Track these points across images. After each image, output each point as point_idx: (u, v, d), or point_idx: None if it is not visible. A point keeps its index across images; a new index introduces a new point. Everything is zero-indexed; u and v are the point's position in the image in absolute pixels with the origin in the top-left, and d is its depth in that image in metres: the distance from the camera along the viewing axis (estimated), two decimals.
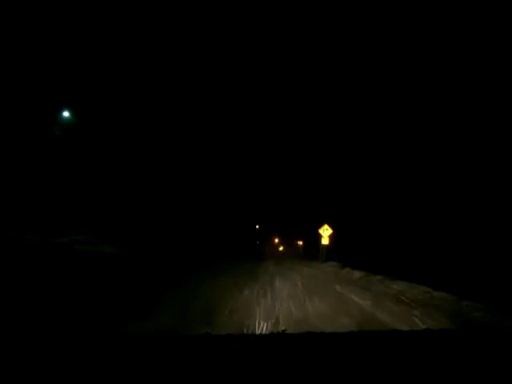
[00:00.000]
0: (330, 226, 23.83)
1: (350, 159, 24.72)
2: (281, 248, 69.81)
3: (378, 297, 8.70)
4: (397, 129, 18.77)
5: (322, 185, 30.80)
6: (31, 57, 21.50)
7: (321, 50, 37.00)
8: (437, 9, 17.58)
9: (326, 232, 23.64)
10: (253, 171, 51.31)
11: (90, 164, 24.38)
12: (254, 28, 37.69)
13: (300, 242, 55.41)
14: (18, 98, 20.50)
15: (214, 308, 6.10)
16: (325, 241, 23.84)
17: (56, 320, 4.81)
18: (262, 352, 2.22)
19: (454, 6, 16.40)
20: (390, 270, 13.18)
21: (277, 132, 62.43)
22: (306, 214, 36.46)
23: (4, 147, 19.35)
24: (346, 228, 23.63)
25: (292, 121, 57.09)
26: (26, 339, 2.31)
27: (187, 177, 33.51)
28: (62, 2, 24.09)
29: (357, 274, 14.46)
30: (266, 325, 5.39)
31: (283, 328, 3.08)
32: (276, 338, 2.60)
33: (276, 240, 73.92)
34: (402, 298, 8.50)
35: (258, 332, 5.01)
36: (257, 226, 63.34)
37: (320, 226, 24.18)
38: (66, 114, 20.86)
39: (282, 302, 7.36)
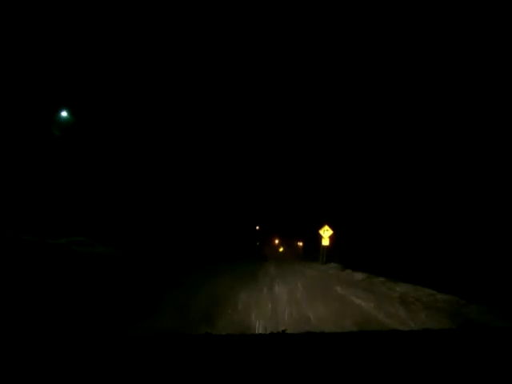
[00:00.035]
0: (331, 226, 23.67)
1: (350, 158, 24.61)
2: (281, 249, 69.86)
3: (381, 299, 8.51)
4: (398, 128, 18.67)
5: (322, 185, 30.67)
6: (29, 56, 21.35)
7: (321, 50, 36.96)
8: (437, 9, 17.53)
9: (326, 233, 23.47)
10: (253, 172, 51.23)
11: (88, 164, 24.23)
12: (253, 28, 37.65)
13: (300, 243, 55.36)
14: (16, 98, 20.33)
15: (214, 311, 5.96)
16: (325, 242, 23.65)
17: (55, 321, 4.76)
18: (261, 352, 2.20)
19: (453, 5, 16.37)
20: (391, 271, 13.05)
21: (277, 132, 62.38)
22: (307, 214, 36.32)
23: (1, 147, 19.18)
24: (346, 229, 23.47)
25: (292, 121, 57.08)
26: (25, 339, 2.28)
27: (186, 177, 33.38)
28: (58, 0, 23.95)
29: (358, 275, 14.27)
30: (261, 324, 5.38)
31: (283, 328, 2.99)
32: (276, 338, 2.55)
33: (276, 241, 73.92)
34: (406, 300, 8.29)
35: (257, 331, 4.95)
36: (257, 227, 63.22)
37: (320, 226, 24.04)
38: (64, 113, 20.67)
39: (282, 305, 7.25)
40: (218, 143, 40.67)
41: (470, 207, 13.14)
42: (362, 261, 17.54)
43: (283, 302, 7.82)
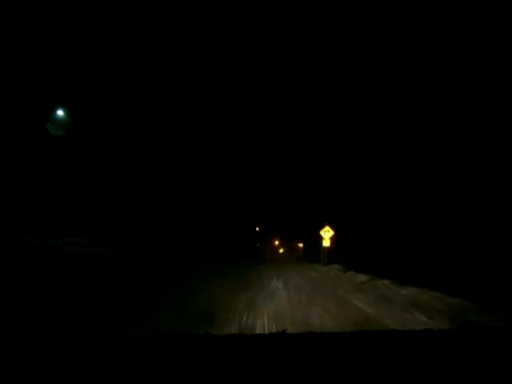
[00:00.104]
0: (332, 227, 23.38)
1: (351, 156, 24.40)
2: (281, 250, 69.86)
3: (387, 303, 8.17)
4: (401, 128, 18.47)
5: (323, 185, 30.41)
6: (25, 54, 21.07)
7: (320, 50, 36.72)
8: (437, 9, 17.39)
9: (327, 234, 23.18)
10: (253, 172, 50.94)
11: (88, 164, 24.00)
12: (253, 28, 37.41)
13: (300, 244, 55.15)
14: (12, 98, 20.05)
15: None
16: (326, 243, 23.35)
17: (53, 321, 4.73)
18: (262, 352, 2.20)
19: (453, 5, 16.23)
20: (394, 273, 12.76)
21: (277, 132, 62.10)
22: (307, 214, 36.02)
23: None
24: (347, 229, 23.18)
25: (292, 122, 56.86)
26: (24, 340, 2.26)
27: (186, 178, 33.16)
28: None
29: (361, 277, 13.91)
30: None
31: (283, 328, 2.86)
32: (276, 338, 2.54)
33: (276, 242, 73.94)
34: (414, 304, 7.91)
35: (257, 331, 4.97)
36: (257, 228, 63.07)
37: (321, 227, 23.75)
38: (60, 112, 20.31)
39: (282, 306, 7.19)
40: (217, 144, 40.43)
41: (471, 207, 13.01)
42: (364, 262, 17.25)
43: (283, 302, 7.71)
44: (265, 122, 57.77)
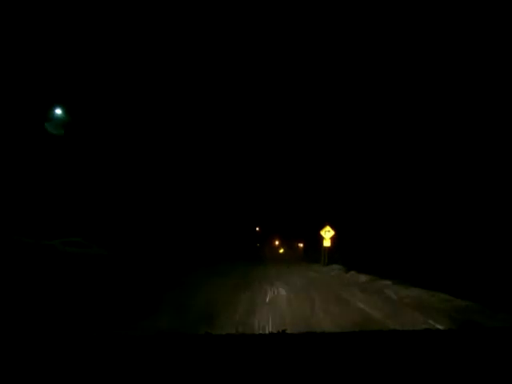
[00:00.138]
0: (332, 226, 23.26)
1: (351, 156, 24.30)
2: (281, 250, 69.85)
3: (391, 305, 8.01)
4: (402, 128, 18.39)
5: (323, 184, 30.27)
6: (22, 53, 20.94)
7: (320, 50, 36.60)
8: (436, 9, 17.35)
9: (327, 234, 23.08)
10: (253, 172, 50.79)
11: (86, 164, 23.89)
12: (253, 28, 37.28)
13: (301, 244, 55.05)
14: (9, 97, 19.91)
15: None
16: (327, 243, 23.26)
17: (52, 322, 4.71)
18: (262, 352, 2.21)
19: (453, 5, 16.18)
20: (396, 273, 12.65)
21: (277, 132, 61.96)
22: (307, 214, 35.86)
23: None
24: (348, 229, 23.06)
25: (292, 122, 56.73)
26: (24, 340, 2.26)
27: (186, 178, 33.07)
28: None
29: (363, 278, 13.78)
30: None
31: (283, 328, 2.92)
32: (276, 338, 2.57)
33: (276, 242, 73.97)
34: (420, 306, 7.72)
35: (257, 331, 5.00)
36: (257, 228, 63.03)
37: (321, 227, 23.62)
38: (58, 111, 20.14)
39: (282, 307, 7.16)
40: (217, 144, 40.31)
41: (471, 208, 12.95)
42: (365, 262, 17.13)
43: (283, 303, 7.65)
44: (265, 122, 57.65)
